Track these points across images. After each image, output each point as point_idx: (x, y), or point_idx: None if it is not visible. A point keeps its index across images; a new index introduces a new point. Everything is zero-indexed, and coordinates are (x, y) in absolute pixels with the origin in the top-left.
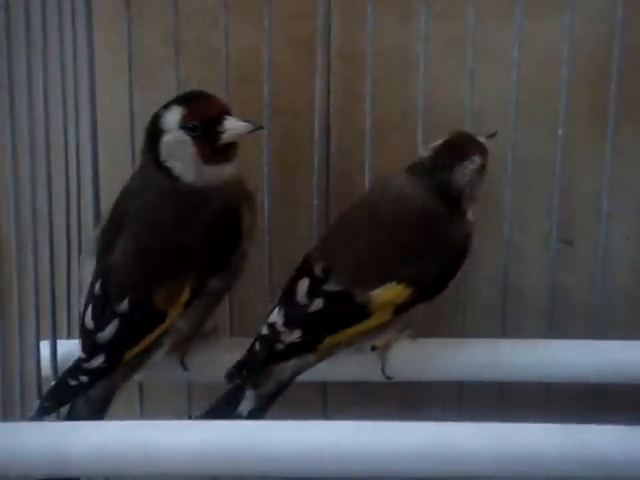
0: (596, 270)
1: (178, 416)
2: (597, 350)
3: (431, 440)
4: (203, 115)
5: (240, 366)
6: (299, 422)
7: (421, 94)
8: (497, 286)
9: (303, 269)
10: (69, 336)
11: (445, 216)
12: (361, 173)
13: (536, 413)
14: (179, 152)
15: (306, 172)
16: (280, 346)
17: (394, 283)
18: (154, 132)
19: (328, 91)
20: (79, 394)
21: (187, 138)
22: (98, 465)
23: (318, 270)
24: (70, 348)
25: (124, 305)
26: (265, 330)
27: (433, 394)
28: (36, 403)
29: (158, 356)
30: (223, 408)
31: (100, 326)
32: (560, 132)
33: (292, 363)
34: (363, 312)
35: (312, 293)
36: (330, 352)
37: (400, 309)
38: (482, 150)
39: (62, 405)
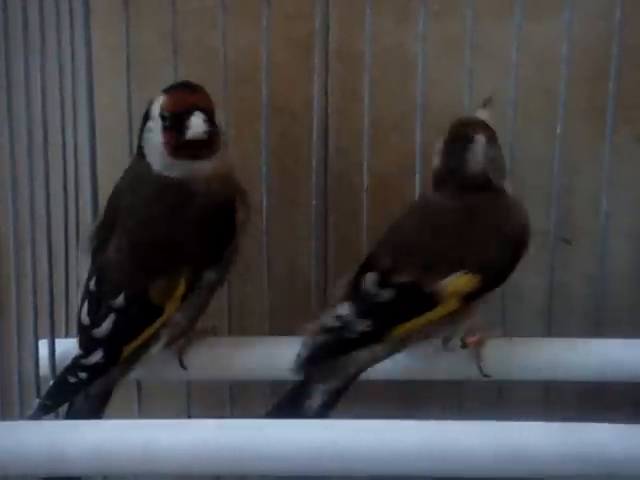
0: (595, 269)
1: (177, 415)
2: (596, 349)
3: (431, 439)
4: (174, 106)
5: (305, 360)
6: (299, 421)
7: (419, 94)
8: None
9: (367, 264)
10: (67, 335)
11: (492, 202)
12: (359, 173)
13: (535, 412)
14: (152, 139)
15: (304, 172)
16: (351, 335)
17: (461, 272)
18: (144, 118)
19: (326, 91)
20: (79, 391)
21: (159, 126)
22: (96, 464)
23: (385, 264)
24: (68, 347)
25: (120, 300)
26: (332, 322)
27: (433, 393)
28: (35, 402)
29: (156, 350)
30: (289, 405)
31: (96, 322)
32: (559, 131)
33: (360, 355)
34: (431, 301)
35: (381, 284)
36: (401, 345)
37: (468, 298)
38: (482, 125)
39: (63, 403)
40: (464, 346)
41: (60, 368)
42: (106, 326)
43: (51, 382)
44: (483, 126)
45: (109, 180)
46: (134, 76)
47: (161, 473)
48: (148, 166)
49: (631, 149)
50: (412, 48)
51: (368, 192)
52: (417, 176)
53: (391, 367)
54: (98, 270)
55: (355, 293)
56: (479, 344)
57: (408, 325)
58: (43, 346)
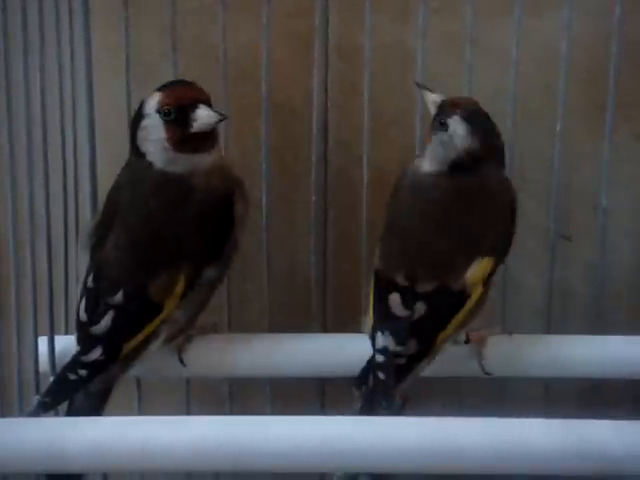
0: (594, 266)
1: (176, 412)
2: (596, 345)
3: (431, 435)
4: (177, 100)
5: (369, 400)
6: (298, 417)
7: (419, 89)
8: (496, 282)
9: (383, 286)
10: (67, 332)
11: (478, 178)
12: (359, 168)
13: (536, 408)
14: (152, 136)
15: (304, 168)
16: (402, 361)
17: (479, 259)
18: (136, 118)
19: (326, 87)
20: (79, 388)
21: (160, 122)
22: (96, 461)
23: (401, 280)
24: (68, 344)
25: (118, 297)
26: (378, 358)
27: (433, 390)
28: (35, 399)
29: (155, 347)
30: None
31: (94, 319)
32: (558, 128)
33: (412, 374)
34: (462, 296)
35: (409, 301)
36: (441, 349)
37: (487, 281)
38: (456, 104)
39: (62, 400)
40: (467, 341)
41: (60, 365)
42: (105, 323)
43: (51, 379)
44: (458, 105)
45: (108, 179)
46: (133, 76)
47: (161, 470)
48: (147, 163)
49: (630, 147)
50: (411, 44)
51: (368, 187)
52: None
53: None
54: (96, 267)
55: (388, 320)
56: (481, 342)
57: (449, 328)
58: (43, 343)
